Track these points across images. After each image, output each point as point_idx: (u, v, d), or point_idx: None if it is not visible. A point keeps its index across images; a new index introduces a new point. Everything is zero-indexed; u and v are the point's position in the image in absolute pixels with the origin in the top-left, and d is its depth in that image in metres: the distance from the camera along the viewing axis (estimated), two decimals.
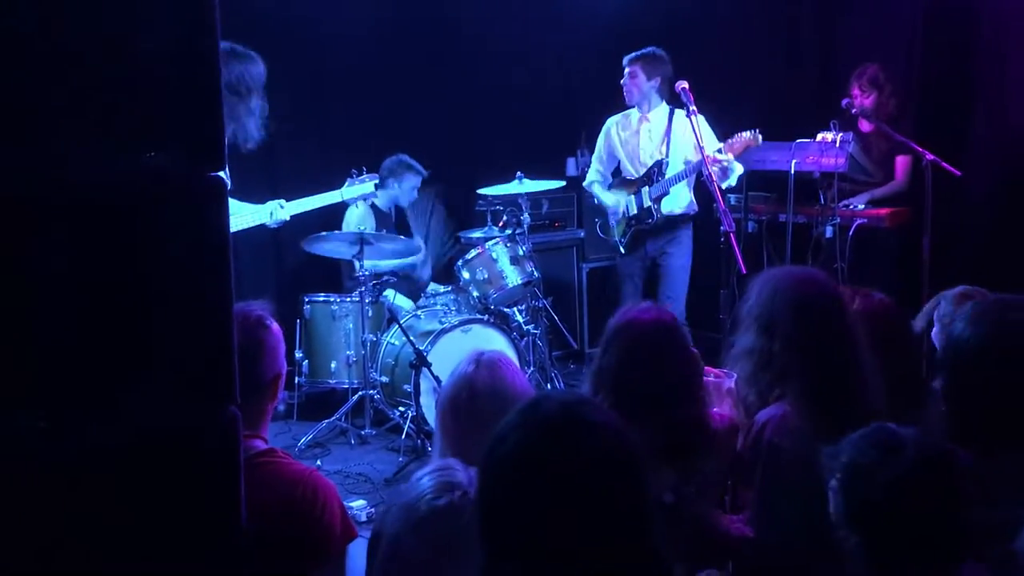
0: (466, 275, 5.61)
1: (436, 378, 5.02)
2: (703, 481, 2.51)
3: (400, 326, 5.31)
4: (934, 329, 3.28)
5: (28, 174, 1.38)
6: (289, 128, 5.83)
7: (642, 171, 5.58)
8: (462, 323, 5.36)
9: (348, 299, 5.69)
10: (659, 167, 5.48)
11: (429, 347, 5.18)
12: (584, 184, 5.99)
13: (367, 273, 5.41)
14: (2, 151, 1.36)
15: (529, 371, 5.55)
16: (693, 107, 5.01)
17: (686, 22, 6.91)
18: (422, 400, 5.16)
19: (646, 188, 5.50)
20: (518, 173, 5.80)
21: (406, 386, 5.29)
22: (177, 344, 1.48)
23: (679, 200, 5.55)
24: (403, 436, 5.22)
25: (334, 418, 5.49)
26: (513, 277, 5.54)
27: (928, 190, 5.22)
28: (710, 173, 4.95)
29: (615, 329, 2.58)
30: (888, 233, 5.70)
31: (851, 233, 5.59)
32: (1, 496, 1.37)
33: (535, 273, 5.65)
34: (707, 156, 4.99)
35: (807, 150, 5.59)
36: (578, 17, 6.85)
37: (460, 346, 5.15)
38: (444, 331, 5.29)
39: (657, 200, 5.47)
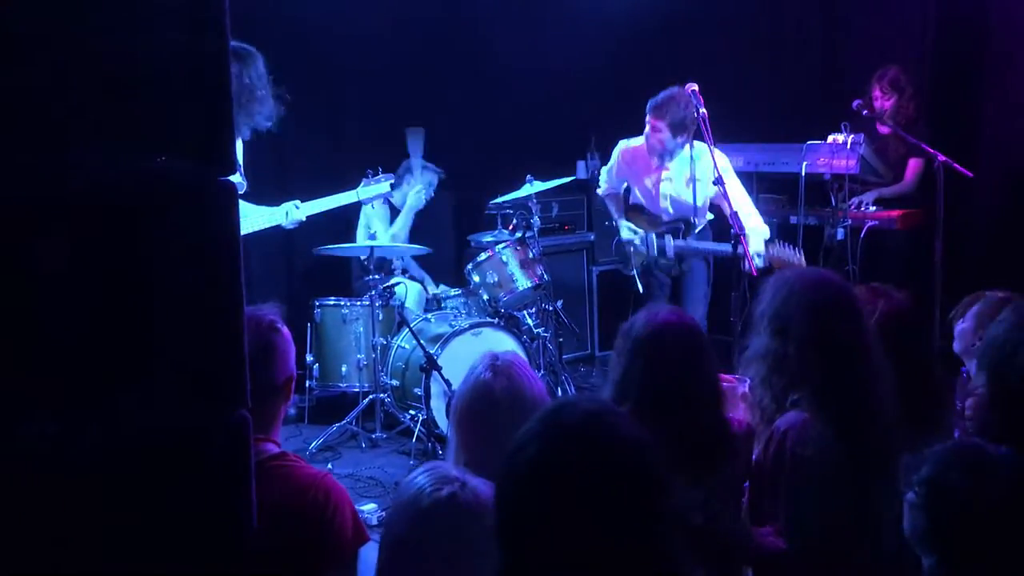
0: (476, 278, 5.61)
1: (447, 381, 5.01)
2: (723, 488, 2.50)
3: (410, 329, 5.31)
4: (962, 326, 3.25)
5: (38, 177, 1.38)
6: (302, 133, 5.86)
7: (660, 206, 5.43)
8: (472, 326, 5.36)
9: (358, 303, 5.70)
10: (687, 224, 5.32)
11: (439, 350, 5.18)
12: (598, 191, 5.86)
13: (378, 276, 5.42)
14: (12, 154, 1.36)
15: (539, 375, 5.53)
16: (703, 109, 4.99)
17: (695, 23, 6.90)
18: (433, 403, 5.15)
19: (670, 238, 5.37)
20: (528, 176, 5.80)
21: (417, 389, 5.29)
22: (188, 347, 1.48)
23: (701, 218, 5.44)
24: (414, 440, 5.21)
25: (345, 422, 5.49)
26: (523, 280, 5.54)
27: (940, 192, 5.20)
28: (721, 176, 4.93)
29: (642, 335, 2.53)
30: (900, 235, 5.68)
31: (862, 235, 5.57)
32: (10, 499, 1.37)
33: (545, 276, 5.64)
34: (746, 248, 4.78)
35: (818, 152, 5.58)
36: (586, 19, 6.84)
37: (470, 349, 5.14)
38: (454, 334, 5.28)
39: (680, 259, 5.37)
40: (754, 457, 2.58)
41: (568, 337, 6.55)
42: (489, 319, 5.52)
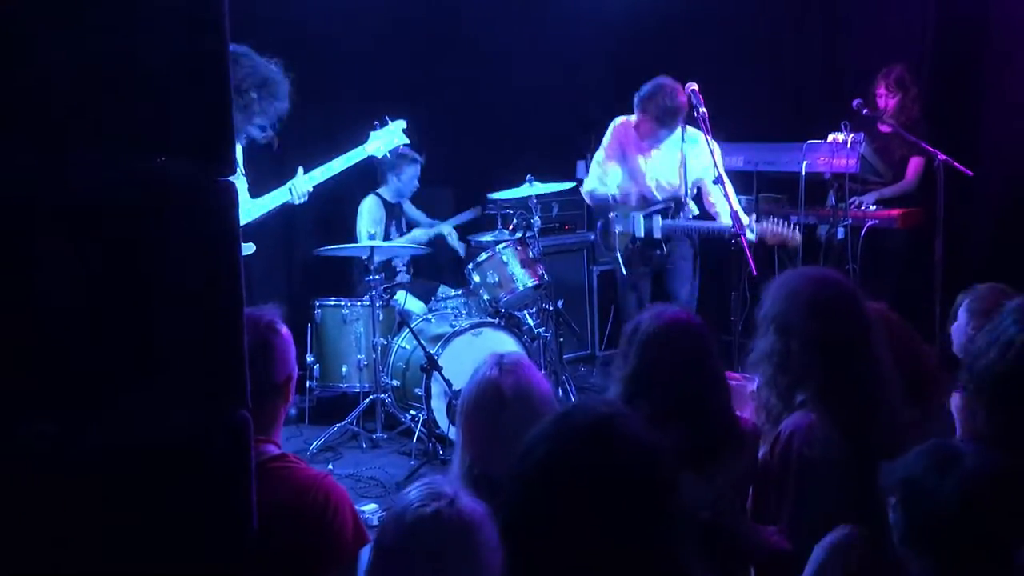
0: (476, 278, 5.61)
1: (447, 382, 5.01)
2: (731, 486, 2.50)
3: (411, 329, 5.30)
4: (955, 324, 3.25)
5: (37, 178, 1.38)
6: (300, 132, 5.84)
7: (647, 185, 5.46)
8: (473, 326, 5.36)
9: (359, 303, 5.70)
10: (678, 204, 5.36)
11: (440, 350, 5.18)
12: (583, 191, 5.82)
13: (379, 277, 5.42)
14: (11, 155, 1.36)
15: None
16: (703, 109, 4.99)
17: (695, 22, 6.90)
18: (433, 404, 5.15)
19: (659, 218, 5.39)
20: (528, 176, 5.80)
21: (417, 390, 5.29)
22: (187, 348, 1.48)
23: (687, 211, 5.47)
24: (414, 440, 5.21)
25: (345, 422, 5.49)
26: (523, 280, 5.54)
27: (940, 191, 5.20)
28: (722, 175, 4.93)
29: (650, 333, 2.56)
30: (900, 234, 5.68)
31: (863, 234, 5.57)
32: (10, 499, 1.37)
33: (545, 276, 5.64)
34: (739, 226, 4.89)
35: (818, 151, 5.58)
36: (585, 18, 6.84)
37: (471, 349, 5.15)
38: (455, 334, 5.28)
39: (668, 239, 5.39)
40: (760, 456, 2.58)
41: (568, 337, 6.55)
42: (490, 319, 5.52)
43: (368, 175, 5.95)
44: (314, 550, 2.13)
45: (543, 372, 5.59)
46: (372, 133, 4.86)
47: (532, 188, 5.81)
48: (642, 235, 5.45)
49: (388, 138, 4.84)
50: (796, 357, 2.51)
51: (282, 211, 5.15)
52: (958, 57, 6.01)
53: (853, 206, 5.71)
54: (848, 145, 5.45)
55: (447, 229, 6.46)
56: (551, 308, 5.85)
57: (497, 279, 5.54)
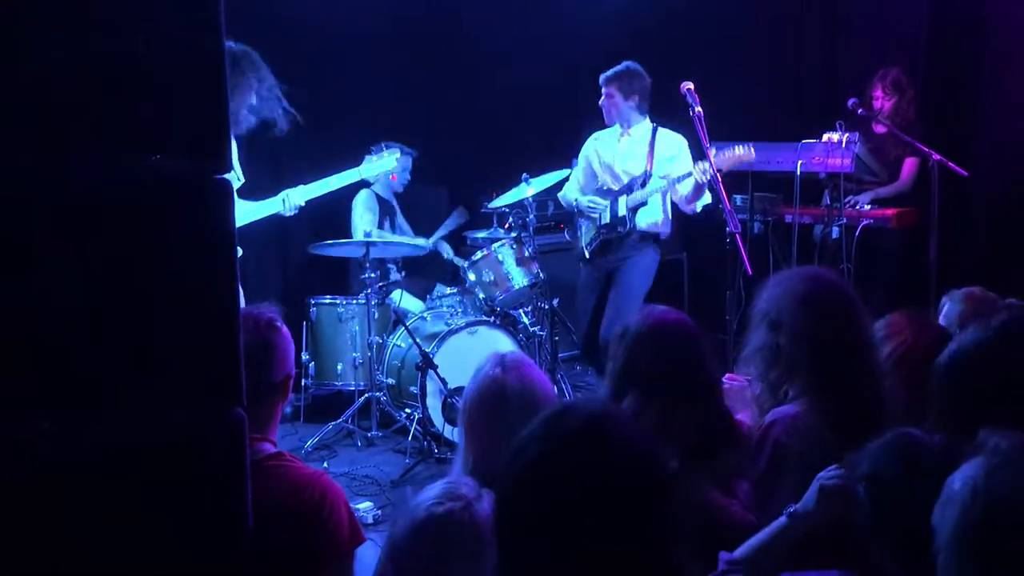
0: (472, 277, 5.61)
1: (443, 380, 5.02)
2: (722, 482, 2.52)
3: (406, 328, 5.31)
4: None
5: (31, 177, 1.38)
6: (296, 132, 5.84)
7: (623, 181, 5.48)
8: (468, 325, 5.36)
9: (354, 301, 5.70)
10: (643, 179, 5.37)
11: (435, 349, 5.18)
12: (559, 195, 5.86)
13: (375, 275, 5.42)
14: (9, 154, 1.36)
15: None
16: (699, 108, 4.99)
17: (690, 22, 6.91)
18: (428, 402, 5.16)
19: (624, 197, 5.40)
20: (524, 175, 5.80)
21: (412, 388, 5.29)
22: (183, 346, 1.48)
23: (652, 215, 5.43)
24: (409, 438, 5.21)
25: (340, 420, 5.49)
26: (519, 279, 5.54)
27: (935, 190, 5.22)
28: (716, 173, 4.93)
29: (640, 331, 2.59)
30: (895, 233, 5.69)
31: (857, 234, 5.58)
32: (6, 499, 1.37)
33: (541, 275, 5.64)
34: (710, 164, 4.91)
35: (813, 151, 5.59)
36: (583, 18, 6.84)
37: (466, 348, 5.15)
38: (450, 333, 5.28)
39: (634, 210, 5.37)
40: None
41: (564, 336, 6.55)
42: (485, 317, 5.52)
43: None
44: (310, 548, 2.14)
45: None
46: (367, 157, 5.04)
47: (528, 187, 5.80)
48: (608, 220, 5.44)
49: (381, 164, 5.03)
50: (785, 352, 2.53)
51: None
52: (954, 57, 6.02)
53: (848, 205, 5.72)
54: (843, 145, 5.47)
55: (444, 248, 6.45)
56: (546, 307, 5.86)
57: (493, 278, 5.54)
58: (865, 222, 5.64)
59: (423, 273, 6.53)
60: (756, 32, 6.90)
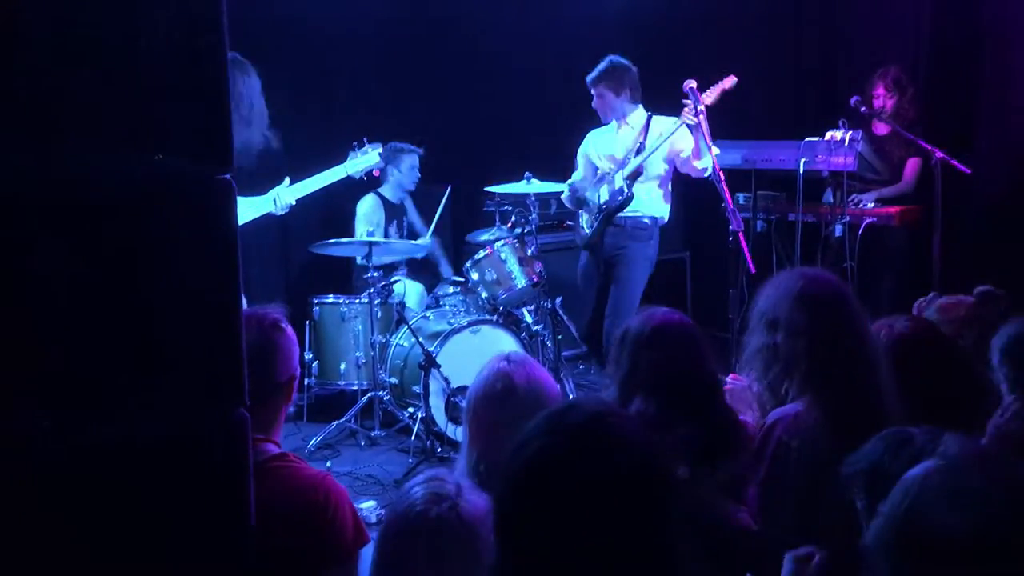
0: (475, 276, 5.60)
1: (445, 379, 5.01)
2: (728, 482, 2.52)
3: (409, 327, 5.30)
4: None
5: (36, 175, 1.37)
6: (293, 128, 5.84)
7: (615, 159, 5.48)
8: (471, 324, 5.35)
9: (357, 300, 5.69)
10: (637, 148, 5.32)
11: (438, 348, 5.18)
12: (563, 197, 5.84)
13: (378, 274, 5.41)
14: (9, 152, 1.36)
15: None
16: (701, 106, 4.99)
17: (692, 20, 6.90)
18: (431, 401, 5.15)
19: (620, 171, 5.36)
20: (526, 173, 5.79)
21: (415, 387, 5.29)
22: (185, 346, 1.48)
23: (652, 204, 5.41)
24: (412, 437, 5.21)
25: (343, 419, 5.49)
26: (522, 278, 5.53)
27: (937, 188, 5.21)
28: (719, 171, 4.92)
29: (645, 333, 2.60)
30: (897, 232, 5.68)
31: (860, 232, 5.57)
32: (9, 498, 1.37)
33: (543, 274, 5.63)
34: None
35: (816, 149, 5.58)
36: (585, 16, 6.83)
37: (469, 347, 5.15)
38: (453, 332, 5.28)
39: (632, 178, 5.29)
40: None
41: (566, 335, 6.55)
42: (488, 316, 5.52)
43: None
44: (314, 549, 2.13)
45: None
46: (351, 154, 5.06)
47: (530, 186, 5.80)
48: (607, 197, 5.42)
49: (365, 160, 5.04)
50: (783, 349, 2.53)
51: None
52: (955, 54, 6.01)
53: (852, 204, 5.71)
54: (846, 143, 5.46)
55: (444, 268, 6.43)
56: (549, 306, 5.85)
57: (495, 276, 5.54)
58: (868, 220, 5.63)
59: (429, 270, 6.52)
60: (756, 30, 6.89)
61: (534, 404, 2.29)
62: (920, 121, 5.69)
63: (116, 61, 1.40)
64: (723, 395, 2.65)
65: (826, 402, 2.44)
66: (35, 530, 1.39)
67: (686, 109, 5.05)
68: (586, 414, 1.49)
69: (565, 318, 6.26)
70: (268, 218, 4.62)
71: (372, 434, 5.45)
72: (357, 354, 5.64)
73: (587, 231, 5.58)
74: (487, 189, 6.13)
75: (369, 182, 5.44)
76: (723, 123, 5.43)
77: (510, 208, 6.13)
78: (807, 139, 5.61)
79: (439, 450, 5.05)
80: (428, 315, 5.70)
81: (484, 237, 5.97)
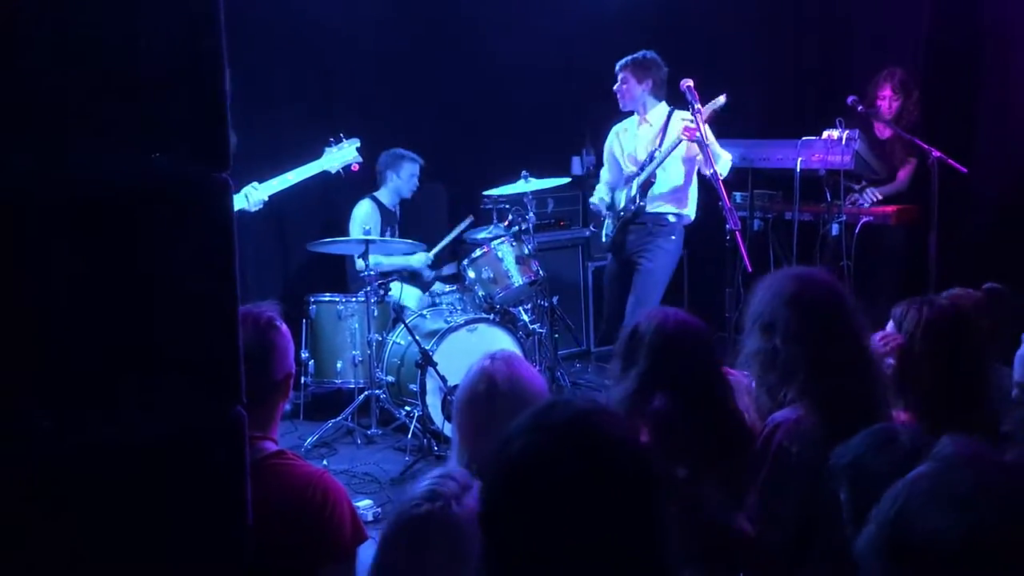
0: (472, 274, 5.61)
1: (442, 377, 5.01)
2: (733, 482, 2.54)
3: (406, 325, 5.31)
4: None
5: (33, 175, 1.38)
6: (295, 127, 5.84)
7: (635, 159, 5.52)
8: (468, 322, 5.35)
9: (353, 299, 5.69)
10: (650, 158, 5.38)
11: (435, 346, 5.18)
12: (590, 201, 5.89)
13: (373, 272, 5.41)
14: (9, 152, 1.36)
15: (536, 370, 5.52)
16: (698, 105, 5.00)
17: (690, 19, 6.90)
18: (428, 399, 5.15)
19: (636, 179, 5.41)
20: (523, 172, 5.80)
21: (412, 385, 5.29)
22: (182, 344, 1.48)
23: (675, 202, 5.43)
24: (409, 436, 5.21)
25: (340, 418, 5.49)
26: (519, 276, 5.53)
27: (934, 188, 5.21)
28: (716, 171, 4.93)
29: (662, 334, 2.63)
30: (894, 230, 5.69)
31: (857, 231, 5.58)
32: (7, 497, 1.37)
33: (541, 272, 5.64)
34: (690, 131, 4.98)
35: (813, 148, 5.58)
36: (583, 14, 6.83)
37: (466, 346, 5.15)
38: (450, 330, 5.28)
39: (643, 188, 5.35)
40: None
41: (563, 333, 6.55)
42: (485, 315, 5.52)
43: (366, 176, 5.93)
44: (312, 547, 2.14)
45: (538, 368, 5.60)
46: (327, 149, 5.04)
47: (528, 185, 5.80)
48: (623, 204, 5.45)
49: (342, 155, 5.02)
50: (781, 354, 2.53)
51: (277, 207, 5.16)
52: (955, 54, 6.01)
53: (849, 202, 5.72)
54: (843, 142, 5.46)
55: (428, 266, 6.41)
56: (546, 304, 5.86)
57: (492, 275, 5.54)
58: (865, 219, 5.64)
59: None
60: (754, 29, 6.89)
61: (518, 402, 2.28)
62: (921, 125, 5.69)
63: (115, 61, 1.40)
64: (733, 395, 2.68)
65: (824, 406, 2.45)
66: (35, 529, 1.39)
67: (685, 123, 5.06)
68: (571, 412, 1.49)
69: (562, 316, 6.28)
70: (263, 216, 4.62)
71: (369, 432, 5.46)
72: (354, 352, 5.64)
73: (607, 235, 5.64)
74: (485, 193, 6.14)
75: (346, 177, 5.41)
76: (721, 121, 5.43)
77: (507, 206, 6.13)
78: (804, 138, 5.62)
79: (436, 448, 5.06)
80: (425, 313, 5.70)
81: (481, 235, 5.98)
